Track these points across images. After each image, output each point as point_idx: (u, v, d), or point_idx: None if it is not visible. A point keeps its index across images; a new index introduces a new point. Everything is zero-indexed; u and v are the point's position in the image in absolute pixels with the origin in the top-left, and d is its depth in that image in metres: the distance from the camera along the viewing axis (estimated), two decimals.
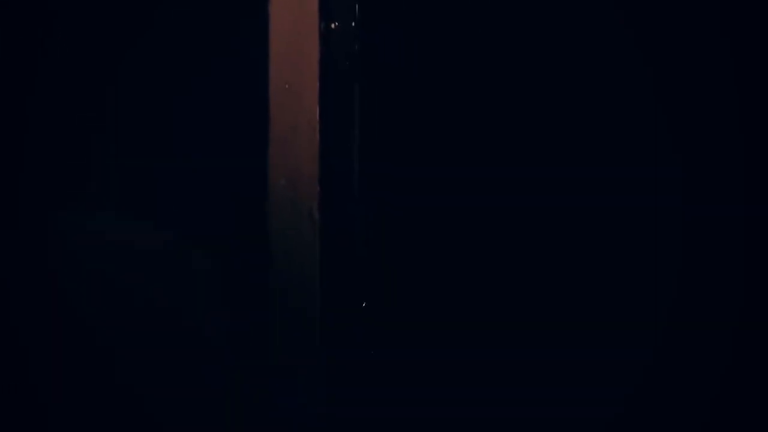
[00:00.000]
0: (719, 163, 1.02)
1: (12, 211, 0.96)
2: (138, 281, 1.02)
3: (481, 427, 1.11)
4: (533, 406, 1.07)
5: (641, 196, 1.06)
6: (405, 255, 1.10)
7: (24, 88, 1.07)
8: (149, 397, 1.01)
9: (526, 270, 1.08)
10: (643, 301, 1.06)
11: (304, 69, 1.07)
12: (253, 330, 1.06)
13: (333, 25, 1.07)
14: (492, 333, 1.06)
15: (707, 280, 1.03)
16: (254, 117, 1.06)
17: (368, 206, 1.09)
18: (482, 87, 1.08)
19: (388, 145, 1.11)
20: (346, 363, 1.09)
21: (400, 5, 1.12)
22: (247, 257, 1.07)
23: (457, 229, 1.09)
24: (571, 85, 1.09)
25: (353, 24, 1.08)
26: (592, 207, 1.04)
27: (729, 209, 0.99)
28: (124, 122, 1.10)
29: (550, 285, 1.08)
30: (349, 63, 1.08)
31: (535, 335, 1.07)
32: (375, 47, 1.07)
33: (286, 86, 1.08)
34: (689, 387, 1.03)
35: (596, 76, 1.09)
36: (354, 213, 1.11)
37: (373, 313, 1.08)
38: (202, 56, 1.10)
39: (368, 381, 1.10)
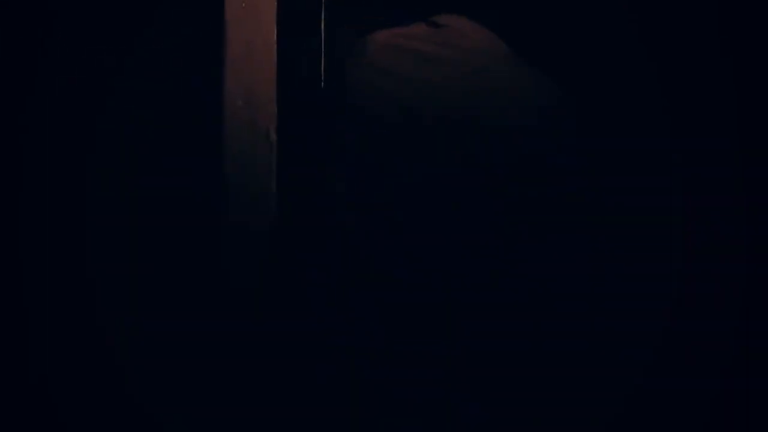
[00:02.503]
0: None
1: None
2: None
3: None
4: None
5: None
6: (364, 176, 1.06)
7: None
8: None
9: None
10: None
11: None
12: (204, 255, 1.06)
13: None
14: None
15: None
16: (210, 35, 1.05)
17: (330, 129, 1.06)
18: None
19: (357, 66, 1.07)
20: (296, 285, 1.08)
21: None
22: (202, 178, 1.07)
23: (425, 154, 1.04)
24: None
25: None
26: None
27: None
28: None
29: None
30: None
31: None
32: None
33: (243, 5, 1.06)
34: None
35: None
36: (313, 135, 1.09)
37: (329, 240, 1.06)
38: None
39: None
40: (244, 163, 1.06)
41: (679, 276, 1.02)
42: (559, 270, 1.00)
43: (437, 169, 0.87)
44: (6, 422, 0.97)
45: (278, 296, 1.06)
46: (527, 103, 0.84)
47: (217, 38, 1.06)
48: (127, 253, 1.08)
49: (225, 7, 1.06)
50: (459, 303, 0.97)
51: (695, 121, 1.05)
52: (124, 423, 0.99)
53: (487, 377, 0.96)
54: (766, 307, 0.97)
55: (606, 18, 1.11)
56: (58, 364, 1.00)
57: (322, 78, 1.10)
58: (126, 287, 1.04)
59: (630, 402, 1.02)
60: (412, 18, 1.00)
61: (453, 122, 0.84)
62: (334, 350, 1.05)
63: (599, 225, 1.00)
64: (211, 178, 1.06)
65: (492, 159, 0.82)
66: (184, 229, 1.09)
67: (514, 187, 0.82)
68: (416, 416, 0.97)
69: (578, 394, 1.00)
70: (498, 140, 0.82)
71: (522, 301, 0.96)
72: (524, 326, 0.96)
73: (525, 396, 0.98)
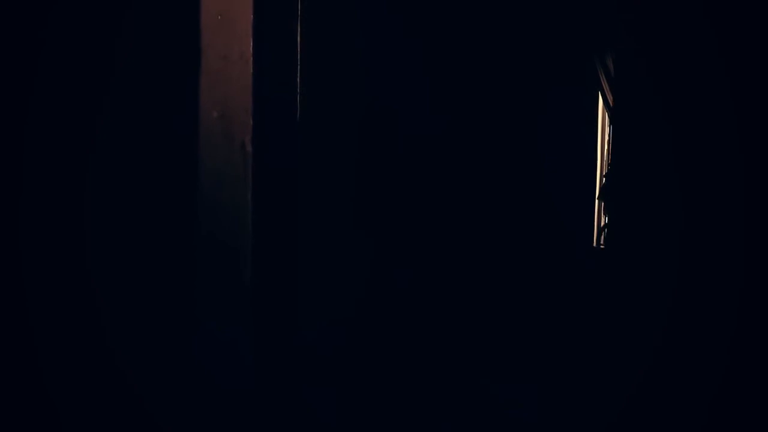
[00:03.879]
0: None
1: None
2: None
3: None
4: None
5: None
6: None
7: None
8: None
9: None
10: None
11: None
12: (179, 262, 1.12)
13: None
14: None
15: None
16: (186, 48, 1.07)
17: (306, 139, 1.07)
18: None
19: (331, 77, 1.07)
20: (274, 300, 1.13)
21: None
22: (178, 188, 1.11)
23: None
24: None
25: None
26: None
27: None
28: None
29: None
30: None
31: None
32: None
33: (219, 18, 1.07)
34: None
35: None
36: (289, 146, 1.11)
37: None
38: None
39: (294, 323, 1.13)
40: (219, 174, 1.10)
41: None
42: None
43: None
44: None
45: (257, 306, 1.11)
46: None
47: (192, 50, 1.08)
48: (116, 251, 1.15)
49: (200, 19, 1.07)
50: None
51: None
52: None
53: None
54: None
55: None
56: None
57: (299, 87, 1.11)
58: (114, 284, 1.12)
59: None
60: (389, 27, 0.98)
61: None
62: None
63: None
64: (187, 188, 1.11)
65: None
66: (164, 236, 1.15)
67: None
68: None
69: None
70: None
71: None
72: None
73: None
